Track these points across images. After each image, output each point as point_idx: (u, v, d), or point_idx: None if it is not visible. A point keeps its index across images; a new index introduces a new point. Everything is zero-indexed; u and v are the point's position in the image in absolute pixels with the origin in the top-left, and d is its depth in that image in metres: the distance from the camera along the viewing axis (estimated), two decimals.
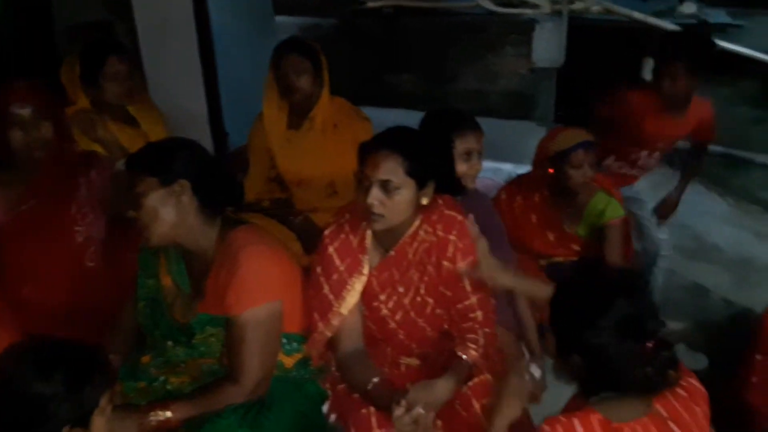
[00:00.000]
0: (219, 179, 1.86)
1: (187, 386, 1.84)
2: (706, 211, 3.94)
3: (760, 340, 2.55)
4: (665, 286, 3.24)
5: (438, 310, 1.96)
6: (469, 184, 2.23)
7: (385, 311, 1.95)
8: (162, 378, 1.86)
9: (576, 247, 2.80)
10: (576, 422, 1.38)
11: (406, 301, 1.94)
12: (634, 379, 1.38)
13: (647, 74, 4.62)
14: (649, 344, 1.37)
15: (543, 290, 1.84)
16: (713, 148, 5.13)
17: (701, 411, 1.47)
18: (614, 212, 2.68)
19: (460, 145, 2.16)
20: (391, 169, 1.75)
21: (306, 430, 1.88)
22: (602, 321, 1.36)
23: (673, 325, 3.20)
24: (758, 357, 2.55)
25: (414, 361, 2.01)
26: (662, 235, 3.07)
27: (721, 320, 3.14)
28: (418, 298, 1.94)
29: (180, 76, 3.40)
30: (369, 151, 1.81)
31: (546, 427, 1.38)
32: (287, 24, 4.92)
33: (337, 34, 5.09)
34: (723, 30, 4.77)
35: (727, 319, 3.12)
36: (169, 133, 2.82)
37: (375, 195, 1.76)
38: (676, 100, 2.85)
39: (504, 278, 1.93)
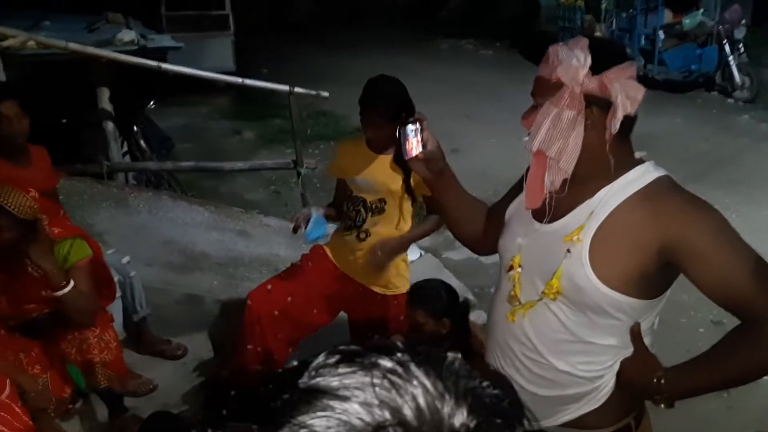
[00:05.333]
0: None
1: None
2: (189, 223, 4.11)
3: (247, 331, 2.76)
4: (159, 306, 3.27)
5: None
6: None
7: None
8: None
9: (48, 294, 2.57)
10: None
11: None
12: None
13: (104, 104, 4.61)
14: None
15: None
16: (186, 164, 5.46)
17: None
18: (79, 253, 2.55)
19: None
20: None
21: None
22: None
23: (179, 340, 3.27)
24: (249, 347, 2.76)
25: None
26: (124, 259, 3.07)
27: (218, 321, 3.32)
28: None
29: None
30: None
31: None
32: None
33: None
34: (164, 53, 5.02)
35: (220, 319, 3.30)
36: None
37: None
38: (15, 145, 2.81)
39: None
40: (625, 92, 1.32)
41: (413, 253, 3.99)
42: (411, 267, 3.76)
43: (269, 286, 2.77)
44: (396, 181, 2.60)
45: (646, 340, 1.45)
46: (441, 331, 2.32)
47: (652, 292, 1.39)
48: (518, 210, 1.58)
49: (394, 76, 2.59)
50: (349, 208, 2.71)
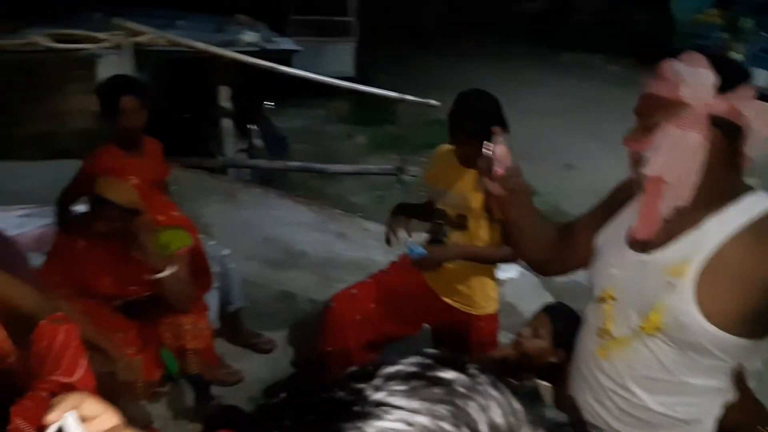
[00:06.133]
0: None
1: None
2: (292, 222, 4.19)
3: (328, 333, 2.76)
4: (254, 300, 3.35)
5: None
6: None
7: None
8: None
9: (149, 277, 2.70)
10: None
11: None
12: None
13: (224, 101, 4.82)
14: None
15: None
16: (294, 164, 5.60)
17: None
18: (180, 242, 2.66)
19: None
20: None
21: None
22: None
23: (270, 335, 3.33)
24: (328, 349, 2.75)
25: None
26: (224, 252, 3.15)
27: (309, 320, 3.35)
28: None
29: None
30: None
31: None
32: None
33: None
34: (286, 56, 5.19)
35: (311, 318, 3.33)
36: None
37: None
38: (131, 137, 2.94)
39: None
40: (761, 114, 1.21)
41: (511, 271, 3.85)
42: (508, 285, 3.66)
43: (354, 291, 2.76)
44: (477, 199, 2.52)
45: (751, 384, 1.33)
46: (550, 359, 2.16)
47: (760, 332, 1.27)
48: (611, 237, 1.47)
49: (488, 91, 2.50)
50: (432, 221, 2.66)
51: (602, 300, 1.44)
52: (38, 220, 3.36)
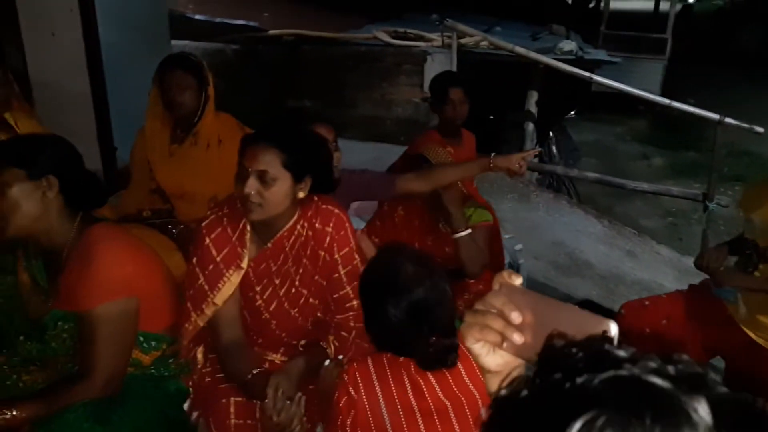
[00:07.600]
0: (85, 178, 1.89)
1: (40, 384, 1.83)
2: (581, 231, 4.20)
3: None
4: None
5: (312, 300, 2.01)
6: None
7: (259, 302, 1.99)
8: (14, 376, 1.85)
9: (449, 250, 2.96)
10: (369, 360, 1.60)
11: (281, 292, 1.99)
12: (412, 354, 1.57)
13: (531, 106, 4.97)
14: (432, 336, 1.53)
15: None
16: (591, 174, 5.54)
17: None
18: (480, 217, 2.87)
19: None
20: (269, 160, 1.80)
21: (165, 427, 1.89)
22: (394, 306, 1.52)
23: None
24: None
25: (279, 358, 2.06)
26: (517, 246, 3.29)
27: None
28: (293, 290, 1.99)
29: (68, 91, 3.40)
30: (249, 143, 1.86)
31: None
32: (190, 48, 4.97)
33: (241, 60, 5.19)
34: (598, 66, 5.16)
35: None
36: None
37: (251, 185, 1.80)
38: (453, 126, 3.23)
39: None
40: None
41: None
42: None
43: (647, 302, 2.71)
44: None
45: None
46: None
47: None
48: None
49: None
50: (742, 251, 2.48)
51: None
52: None
